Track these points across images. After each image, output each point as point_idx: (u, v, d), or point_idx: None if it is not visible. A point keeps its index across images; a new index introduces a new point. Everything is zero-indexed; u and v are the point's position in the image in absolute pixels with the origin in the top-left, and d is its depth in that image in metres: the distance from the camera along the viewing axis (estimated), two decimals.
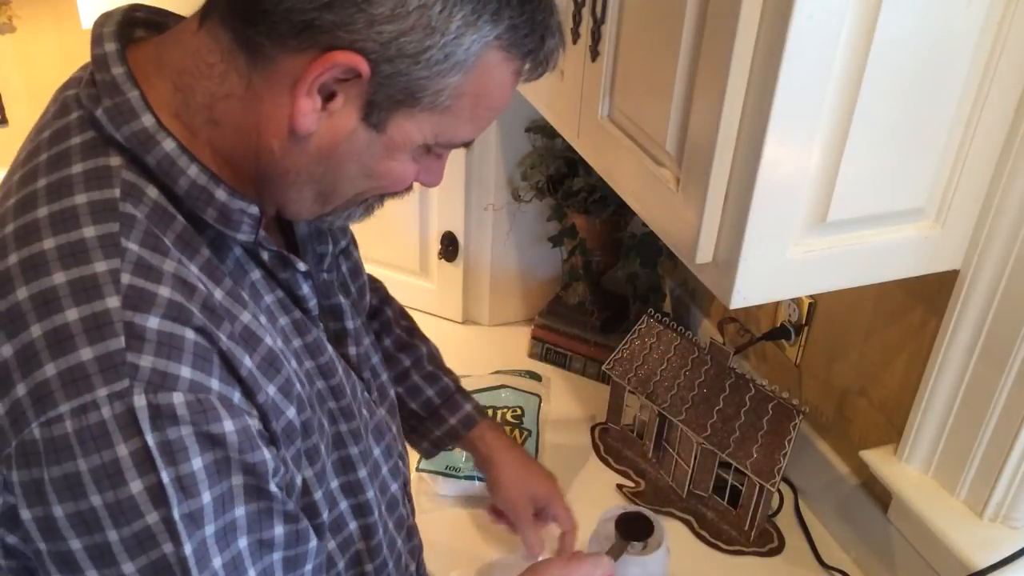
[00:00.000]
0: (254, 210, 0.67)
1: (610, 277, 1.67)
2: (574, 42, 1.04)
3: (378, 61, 0.61)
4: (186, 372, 0.59)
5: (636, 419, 1.42)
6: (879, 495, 1.18)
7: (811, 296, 1.26)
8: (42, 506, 0.58)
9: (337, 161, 0.66)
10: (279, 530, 0.65)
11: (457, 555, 1.23)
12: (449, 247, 1.70)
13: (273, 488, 0.64)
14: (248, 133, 0.65)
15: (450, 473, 1.31)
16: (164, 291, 0.60)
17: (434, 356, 1.15)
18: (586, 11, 0.99)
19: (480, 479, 1.26)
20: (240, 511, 0.62)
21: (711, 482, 1.30)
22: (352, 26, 0.59)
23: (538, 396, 1.51)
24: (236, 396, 0.62)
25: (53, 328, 0.57)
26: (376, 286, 1.12)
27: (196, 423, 0.58)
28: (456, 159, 1.57)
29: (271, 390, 0.66)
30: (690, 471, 1.31)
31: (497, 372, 1.59)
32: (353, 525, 0.81)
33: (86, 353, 0.57)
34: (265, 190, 0.69)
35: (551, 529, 1.14)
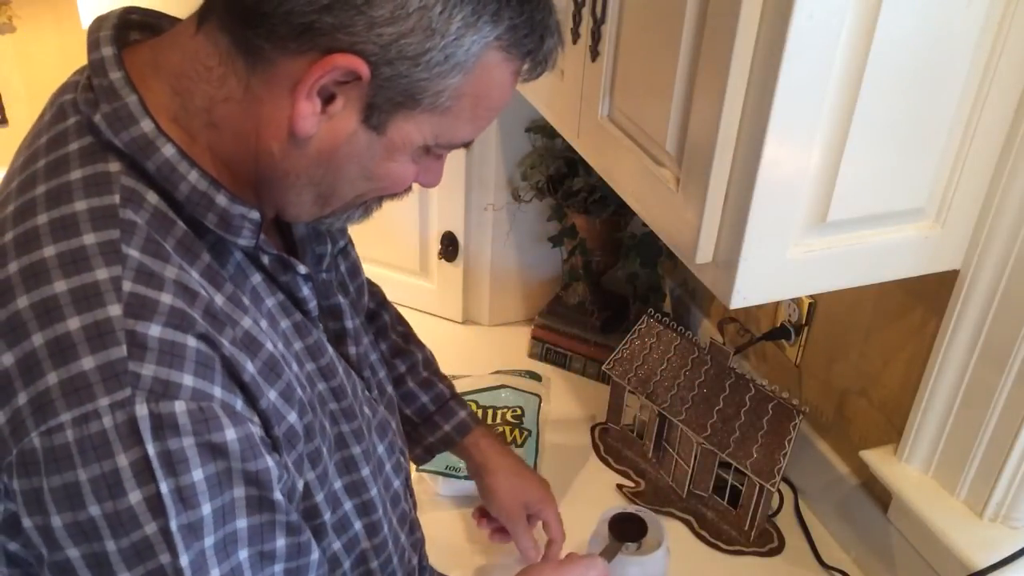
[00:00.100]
0: (255, 215, 0.67)
1: (610, 277, 1.67)
2: (574, 42, 1.04)
3: (378, 63, 0.60)
4: (188, 380, 0.59)
5: (636, 419, 1.42)
6: (879, 495, 1.18)
7: (811, 296, 1.26)
8: (42, 515, 0.57)
9: (337, 163, 0.66)
10: (280, 542, 0.65)
11: (457, 555, 1.23)
12: (449, 247, 1.70)
13: (277, 496, 0.64)
14: (247, 136, 0.65)
15: (450, 473, 1.31)
16: (166, 298, 0.60)
17: (429, 362, 1.15)
18: (586, 11, 0.99)
19: None
20: (241, 523, 0.62)
21: (711, 482, 1.30)
22: (352, 28, 0.59)
23: (538, 396, 1.51)
24: (239, 404, 0.62)
25: (55, 337, 0.57)
26: (374, 290, 1.12)
27: (198, 433, 0.58)
28: (456, 159, 1.57)
29: (272, 395, 0.66)
30: (690, 471, 1.31)
31: (497, 372, 1.59)
32: (358, 525, 0.81)
33: (88, 362, 0.57)
34: (264, 193, 0.69)
35: (539, 532, 1.15)
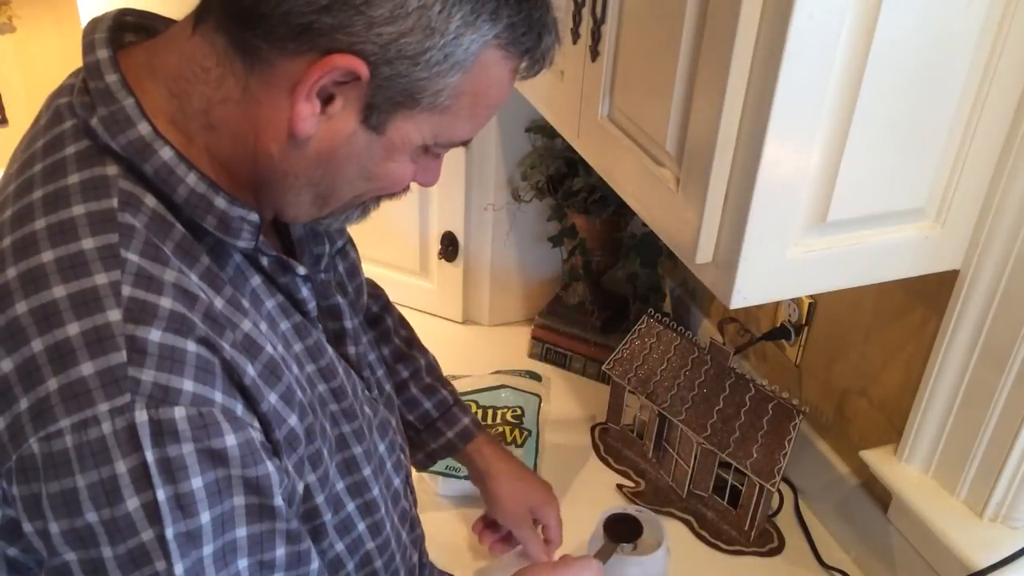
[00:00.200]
0: (254, 217, 0.67)
1: (610, 277, 1.67)
2: (574, 42, 1.04)
3: (377, 63, 0.60)
4: (188, 385, 0.58)
5: (636, 419, 1.42)
6: (879, 495, 1.18)
7: (811, 296, 1.26)
8: (41, 520, 0.57)
9: (336, 164, 0.66)
10: (280, 551, 0.65)
11: (457, 555, 1.23)
12: (449, 247, 1.69)
13: (277, 502, 0.64)
14: (245, 137, 0.65)
15: (450, 473, 1.30)
16: (165, 302, 0.59)
17: (432, 368, 1.15)
18: (586, 11, 0.99)
19: None
20: (241, 532, 0.62)
21: (711, 482, 1.30)
22: (351, 28, 0.59)
23: (538, 396, 1.51)
24: (239, 408, 0.62)
25: (54, 343, 0.57)
26: (377, 293, 1.12)
27: (198, 439, 0.58)
28: (456, 159, 1.57)
29: (273, 398, 0.66)
30: (690, 471, 1.31)
31: (497, 372, 1.59)
32: (362, 526, 0.81)
33: (87, 368, 0.56)
34: (263, 194, 0.69)
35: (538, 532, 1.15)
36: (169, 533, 0.57)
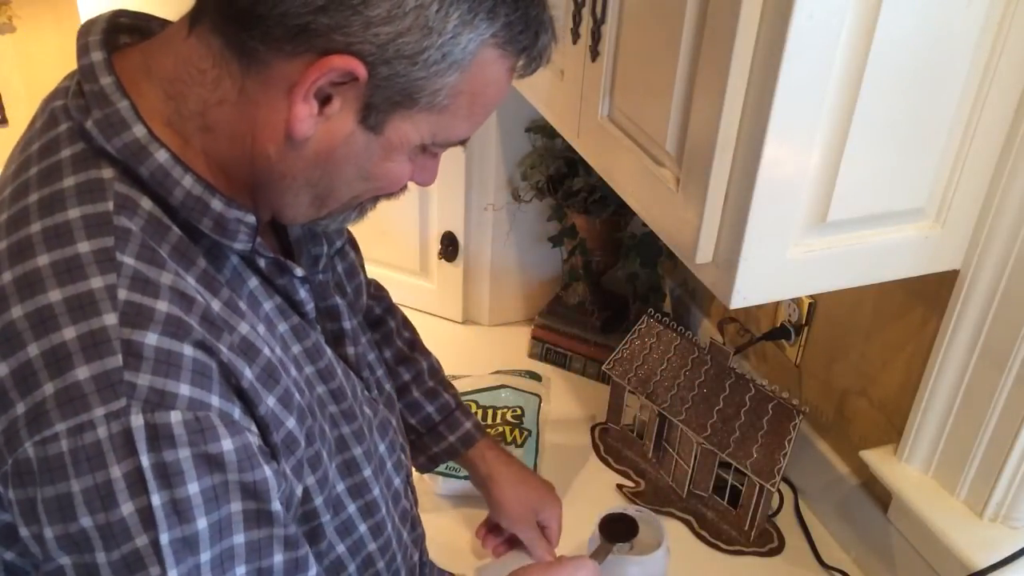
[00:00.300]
0: (251, 219, 0.67)
1: (610, 277, 1.67)
2: (574, 42, 1.04)
3: (375, 63, 0.60)
4: (185, 390, 0.58)
5: (636, 419, 1.42)
6: (879, 495, 1.18)
7: (811, 296, 1.26)
8: (36, 525, 0.57)
9: (334, 165, 0.66)
10: (279, 558, 0.64)
11: (457, 555, 1.23)
12: (449, 247, 1.69)
13: (275, 507, 0.63)
14: (243, 139, 0.64)
15: (450, 473, 1.30)
16: (162, 305, 0.59)
17: (435, 371, 1.14)
18: (586, 11, 0.99)
19: None
20: (239, 539, 0.61)
21: (711, 482, 1.30)
22: (348, 29, 0.59)
23: (538, 396, 1.51)
24: (236, 412, 0.61)
25: (50, 347, 0.57)
26: (381, 295, 1.12)
27: (194, 443, 0.57)
28: (456, 159, 1.57)
29: (271, 401, 0.66)
30: (690, 471, 1.31)
31: (497, 372, 1.58)
32: (363, 527, 0.81)
33: (83, 372, 0.56)
34: (260, 196, 0.69)
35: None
36: (164, 539, 0.57)
